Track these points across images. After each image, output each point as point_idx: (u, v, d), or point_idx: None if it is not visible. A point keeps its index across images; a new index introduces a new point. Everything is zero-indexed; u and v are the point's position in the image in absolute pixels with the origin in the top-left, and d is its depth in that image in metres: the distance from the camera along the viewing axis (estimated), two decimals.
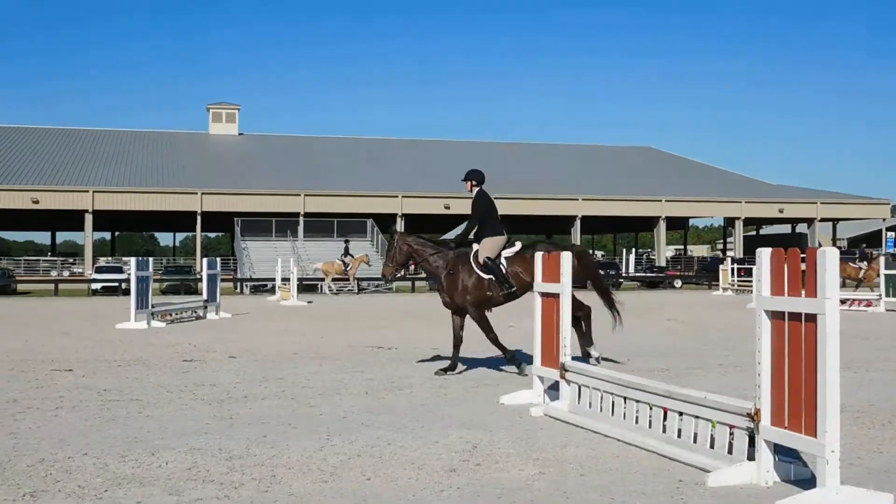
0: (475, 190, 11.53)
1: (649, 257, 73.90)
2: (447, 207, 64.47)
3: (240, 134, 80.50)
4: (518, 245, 11.56)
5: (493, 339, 11.36)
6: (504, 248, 11.43)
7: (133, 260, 21.46)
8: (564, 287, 8.18)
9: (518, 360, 11.10)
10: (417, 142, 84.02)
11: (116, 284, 44.32)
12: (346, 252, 44.16)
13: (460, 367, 11.51)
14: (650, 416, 6.87)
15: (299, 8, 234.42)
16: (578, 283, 10.85)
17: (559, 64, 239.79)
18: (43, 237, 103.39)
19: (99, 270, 50.66)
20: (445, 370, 11.20)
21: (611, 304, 11.74)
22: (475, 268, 11.23)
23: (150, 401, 9.16)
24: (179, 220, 71.01)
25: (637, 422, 7.03)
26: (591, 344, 11.40)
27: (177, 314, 22.74)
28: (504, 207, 62.51)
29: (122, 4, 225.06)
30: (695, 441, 6.32)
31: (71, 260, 69.29)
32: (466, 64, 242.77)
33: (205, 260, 26.66)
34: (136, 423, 7.87)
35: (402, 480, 5.94)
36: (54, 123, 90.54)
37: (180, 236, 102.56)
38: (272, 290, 40.11)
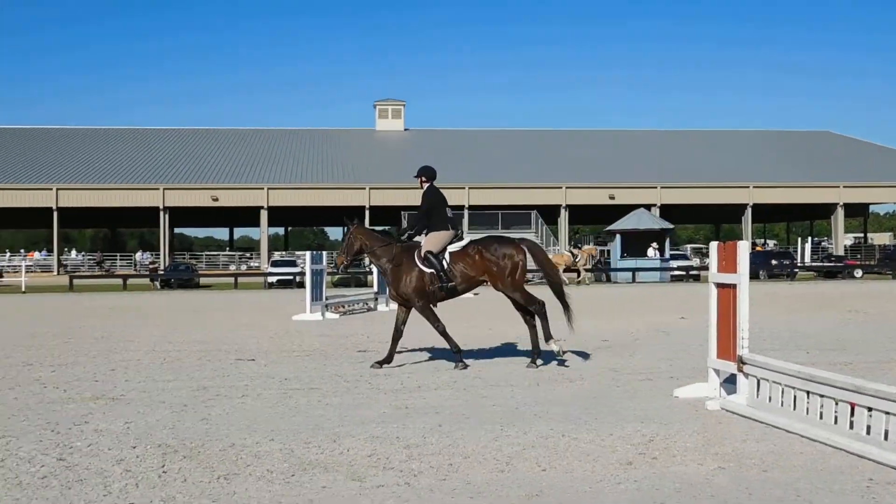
0: (425, 186, 11.85)
1: (825, 246, 70.65)
2: (612, 198, 63.76)
3: (405, 129, 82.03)
4: (466, 240, 11.59)
5: (441, 331, 11.48)
6: (452, 242, 11.47)
7: (308, 254, 22.24)
8: (741, 277, 7.95)
9: (460, 355, 11.30)
10: (581, 132, 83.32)
11: (291, 277, 46.01)
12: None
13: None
14: (836, 412, 6.59)
15: (466, 6, 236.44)
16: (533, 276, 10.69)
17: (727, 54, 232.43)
18: (222, 233, 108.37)
19: (274, 264, 52.72)
20: (381, 362, 11.32)
21: (562, 299, 11.52)
22: (417, 261, 11.36)
23: (328, 390, 9.49)
24: (349, 215, 72.88)
25: (822, 417, 6.76)
26: (550, 338, 11.10)
27: (349, 306, 23.44)
28: (670, 197, 61.33)
29: (298, 6, 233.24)
30: (885, 438, 6.03)
31: (248, 254, 72.42)
32: (628, 51, 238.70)
33: None
34: (316, 411, 8.17)
35: (578, 472, 5.94)
36: (231, 124, 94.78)
37: None
38: None
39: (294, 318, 20.38)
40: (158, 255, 63.49)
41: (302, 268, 46.56)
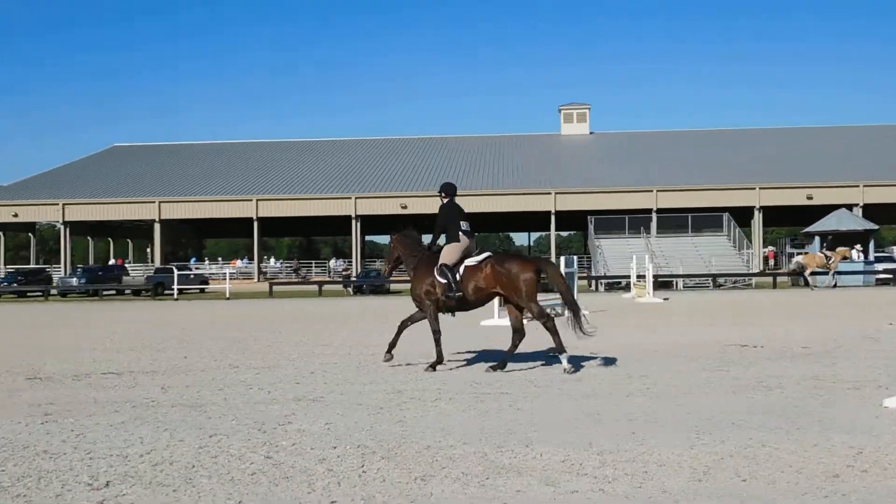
0: (445, 201, 12.47)
1: None
2: (810, 198, 60.93)
3: (590, 133, 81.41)
4: (485, 255, 12.06)
5: (436, 339, 12.16)
6: (470, 255, 12.13)
7: None
8: None
9: (434, 368, 11.93)
10: (774, 130, 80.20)
11: None
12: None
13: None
14: None
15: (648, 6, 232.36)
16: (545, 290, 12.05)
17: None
18: None
19: None
20: (389, 350, 12.33)
21: (575, 312, 12.22)
22: (435, 271, 12.10)
23: (519, 395, 9.54)
24: (534, 220, 73.20)
25: None
26: (562, 351, 11.78)
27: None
28: (874, 196, 57.55)
29: (475, 12, 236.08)
30: None
31: None
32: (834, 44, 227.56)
33: (562, 258, 27.23)
34: (508, 416, 8.22)
35: (781, 483, 5.71)
36: (414, 133, 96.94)
37: (534, 236, 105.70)
38: (627, 288, 40.13)
39: (482, 324, 20.59)
40: (351, 261, 65.66)
41: None
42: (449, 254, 12.14)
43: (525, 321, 12.25)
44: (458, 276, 12.02)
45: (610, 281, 48.14)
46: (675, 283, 47.80)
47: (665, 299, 32.43)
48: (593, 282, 49.69)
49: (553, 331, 11.85)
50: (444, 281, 12.03)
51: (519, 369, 11.84)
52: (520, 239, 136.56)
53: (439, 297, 12.11)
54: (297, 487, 5.82)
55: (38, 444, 7.20)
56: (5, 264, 73.34)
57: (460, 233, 12.09)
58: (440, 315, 12.43)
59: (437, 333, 12.19)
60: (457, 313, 12.61)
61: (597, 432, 7.33)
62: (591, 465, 6.26)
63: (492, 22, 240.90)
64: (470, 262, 12.05)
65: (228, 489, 5.80)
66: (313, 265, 72.91)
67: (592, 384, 10.22)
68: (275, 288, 48.92)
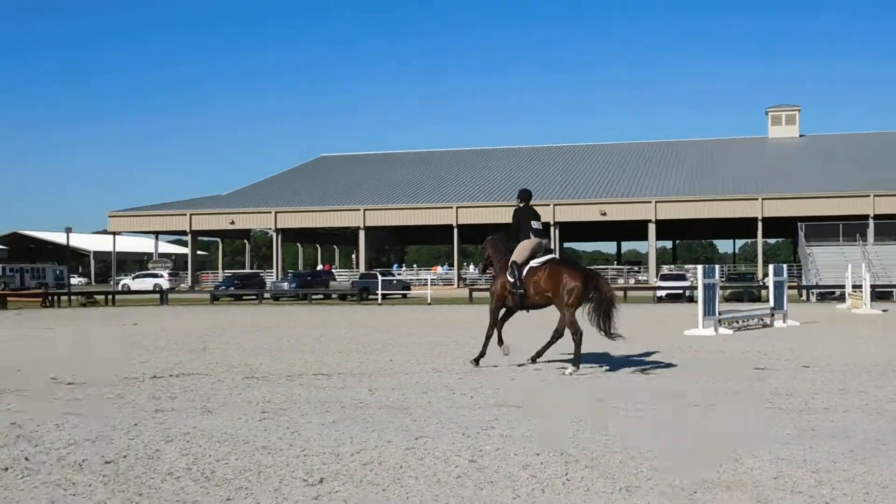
0: (521, 205, 13.62)
1: None
2: None
3: (801, 136, 77.84)
4: (548, 257, 12.94)
5: (488, 334, 13.53)
6: (538, 255, 12.96)
7: (700, 267, 21.80)
8: None
9: (477, 362, 13.33)
10: None
11: (681, 291, 45.38)
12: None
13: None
14: None
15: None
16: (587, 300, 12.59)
17: None
18: (609, 247, 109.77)
19: (663, 278, 52.32)
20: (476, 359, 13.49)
21: (606, 321, 12.68)
22: (506, 269, 13.09)
23: (726, 407, 9.21)
24: (739, 227, 70.75)
25: None
26: (577, 364, 12.54)
27: (743, 321, 22.64)
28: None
29: (678, 7, 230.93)
30: None
31: (636, 268, 72.56)
32: None
33: (771, 267, 26.15)
34: (714, 429, 7.96)
35: None
36: (617, 139, 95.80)
37: (739, 243, 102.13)
38: (840, 298, 38.05)
39: (686, 333, 20.07)
40: None
41: (692, 281, 45.76)
42: (519, 251, 13.03)
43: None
44: (522, 275, 12.87)
45: (822, 291, 45.78)
46: (894, 293, 44.87)
47: (884, 311, 30.51)
48: (804, 291, 47.41)
49: (578, 344, 12.64)
50: (511, 279, 12.95)
51: (724, 381, 11.45)
52: (724, 246, 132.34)
53: (507, 294, 13.12)
54: (502, 493, 5.86)
55: (256, 440, 7.60)
56: (223, 269, 78.02)
57: (531, 231, 12.99)
58: (520, 311, 13.59)
59: (492, 330, 13.48)
60: (529, 310, 13.52)
61: (811, 449, 6.98)
62: (806, 483, 5.96)
63: (694, 19, 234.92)
64: (535, 262, 12.90)
65: (435, 491, 5.91)
66: None
67: (805, 398, 9.75)
68: (474, 294, 49.55)
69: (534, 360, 13.51)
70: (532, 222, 13.26)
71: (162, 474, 6.45)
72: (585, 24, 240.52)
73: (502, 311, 13.63)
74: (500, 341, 13.45)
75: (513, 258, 13.04)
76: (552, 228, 63.69)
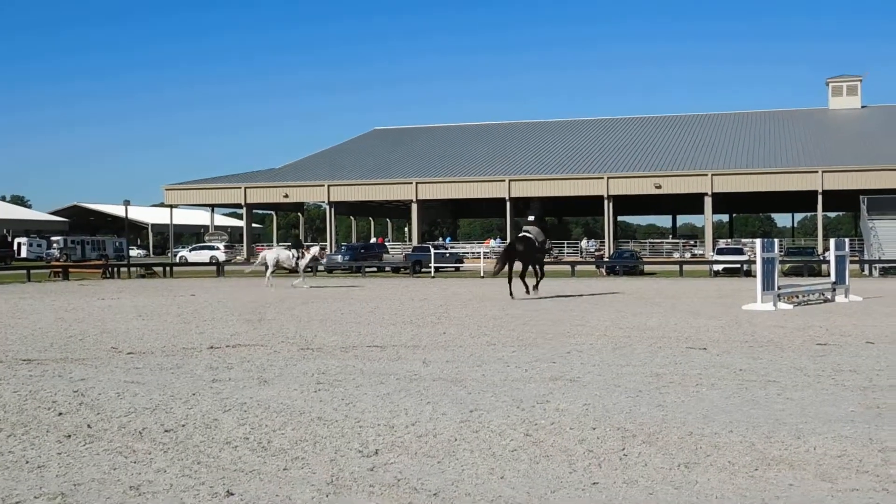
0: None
1: None
2: None
3: (863, 107, 76.01)
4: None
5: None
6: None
7: (758, 241, 21.44)
8: None
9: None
10: None
11: (738, 266, 44.74)
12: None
13: None
14: None
15: None
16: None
17: None
18: (664, 220, 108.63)
19: (720, 252, 51.56)
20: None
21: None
22: None
23: (787, 383, 9.04)
24: (797, 200, 69.48)
25: None
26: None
27: (804, 296, 22.23)
28: None
29: None
30: None
31: (692, 242, 71.67)
32: None
33: (832, 241, 25.61)
34: (776, 405, 7.81)
35: None
36: (674, 111, 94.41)
37: (798, 216, 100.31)
38: None
39: (744, 308, 19.76)
40: (603, 242, 65.13)
41: (749, 255, 45.06)
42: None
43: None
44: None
45: (886, 265, 44.76)
46: None
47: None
48: (866, 266, 46.41)
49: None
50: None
51: (785, 357, 11.23)
52: (782, 220, 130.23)
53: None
54: (558, 467, 5.80)
55: (312, 411, 7.63)
56: (278, 242, 78.70)
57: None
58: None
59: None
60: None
61: (877, 427, 6.81)
62: (872, 462, 5.82)
63: None
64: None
65: (490, 464, 5.87)
66: (565, 245, 72.98)
67: (870, 375, 9.52)
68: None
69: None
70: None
71: (220, 443, 6.50)
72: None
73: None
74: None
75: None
76: (606, 202, 63.13)
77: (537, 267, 25.32)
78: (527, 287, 24.39)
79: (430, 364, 10.69)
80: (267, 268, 32.74)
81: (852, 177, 58.61)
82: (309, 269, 32.98)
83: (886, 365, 10.33)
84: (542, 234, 25.53)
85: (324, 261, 42.80)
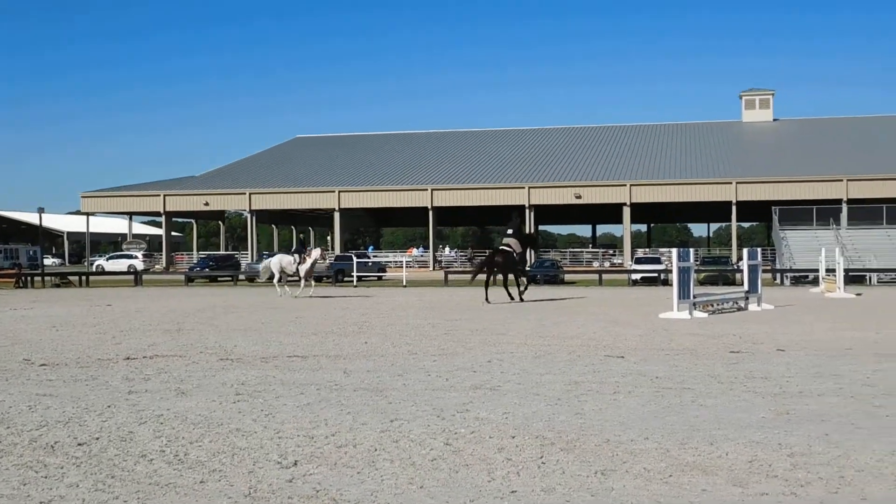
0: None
1: None
2: None
3: (774, 120, 78.21)
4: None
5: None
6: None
7: (675, 251, 21.87)
8: None
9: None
10: None
11: (655, 275, 45.57)
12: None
13: None
14: None
15: None
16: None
17: None
18: (584, 230, 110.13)
19: (638, 261, 52.52)
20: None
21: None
22: None
23: (702, 390, 9.24)
24: (713, 210, 71.12)
25: None
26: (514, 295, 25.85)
27: (718, 304, 22.76)
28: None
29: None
30: None
31: (611, 251, 72.79)
32: None
33: (745, 250, 26.29)
34: (691, 412, 7.98)
35: None
36: (590, 122, 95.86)
37: (714, 226, 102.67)
38: (814, 282, 38.37)
39: (661, 316, 20.15)
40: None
41: (666, 265, 45.95)
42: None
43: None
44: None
45: (796, 274, 46.12)
46: (868, 277, 45.30)
47: (857, 294, 30.79)
48: (778, 275, 47.76)
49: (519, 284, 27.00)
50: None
51: (699, 364, 11.49)
52: (699, 230, 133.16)
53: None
54: (477, 475, 5.84)
55: (230, 422, 7.54)
56: (198, 250, 77.52)
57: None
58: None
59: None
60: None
61: (787, 432, 7.00)
62: (781, 466, 5.98)
63: (670, 8, 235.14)
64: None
65: (410, 473, 5.87)
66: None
67: (780, 382, 9.79)
68: (449, 276, 49.54)
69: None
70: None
71: (135, 456, 6.38)
72: (561, 7, 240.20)
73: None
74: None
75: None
76: (527, 211, 63.75)
77: (521, 277, 28.11)
78: (511, 296, 27.18)
79: (351, 374, 10.66)
80: (273, 276, 31.32)
81: (765, 188, 60.29)
82: (314, 275, 30.77)
83: (796, 372, 10.64)
84: (521, 245, 27.80)
85: (326, 263, 39.77)
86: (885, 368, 10.88)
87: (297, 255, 31.01)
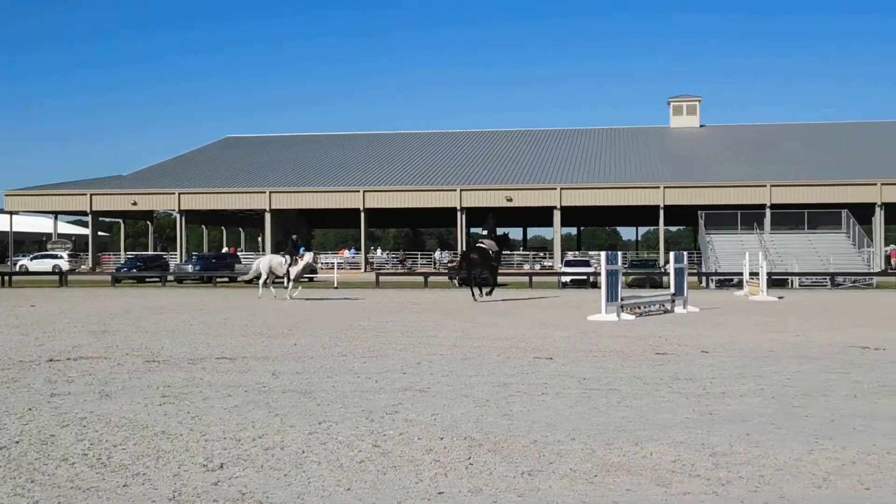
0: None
1: None
2: None
3: (701, 126, 79.71)
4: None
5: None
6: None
7: (603, 254, 22.13)
8: None
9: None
10: (889, 124, 76.95)
11: (584, 277, 46.05)
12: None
13: None
14: None
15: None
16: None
17: None
18: (515, 233, 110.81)
19: (568, 264, 53.00)
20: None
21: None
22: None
23: (628, 391, 9.38)
24: (641, 214, 72.15)
25: None
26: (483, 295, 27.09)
27: (645, 307, 23.09)
28: None
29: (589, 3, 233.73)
30: None
31: (541, 254, 73.39)
32: None
33: (672, 254, 26.73)
34: (617, 413, 8.09)
35: None
36: (519, 125, 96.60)
37: (642, 230, 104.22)
38: (738, 285, 39.19)
39: (589, 319, 20.38)
40: (456, 253, 65.87)
41: (596, 268, 46.47)
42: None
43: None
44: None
45: (721, 278, 47.03)
46: (790, 281, 46.41)
47: (780, 298, 31.53)
48: (704, 278, 48.64)
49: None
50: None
51: (626, 366, 11.65)
52: (627, 233, 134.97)
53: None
54: (405, 477, 5.84)
55: (155, 425, 7.42)
56: (125, 251, 76.12)
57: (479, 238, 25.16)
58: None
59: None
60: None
61: (709, 433, 7.15)
62: (703, 466, 6.10)
63: (597, 14, 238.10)
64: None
65: (338, 476, 5.85)
66: (419, 256, 73.44)
67: (704, 384, 9.98)
68: (381, 278, 49.46)
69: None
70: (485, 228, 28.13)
71: (56, 460, 6.24)
72: (495, 9, 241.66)
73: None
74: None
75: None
76: (458, 214, 63.92)
77: (493, 276, 30.49)
78: (475, 296, 28.82)
79: (279, 376, 10.57)
80: (260, 276, 30.89)
81: (691, 193, 61.36)
82: (305, 279, 30.05)
83: (719, 373, 10.86)
84: (496, 245, 30.12)
85: (319, 265, 38.43)
86: (804, 370, 11.17)
87: (288, 257, 30.63)
